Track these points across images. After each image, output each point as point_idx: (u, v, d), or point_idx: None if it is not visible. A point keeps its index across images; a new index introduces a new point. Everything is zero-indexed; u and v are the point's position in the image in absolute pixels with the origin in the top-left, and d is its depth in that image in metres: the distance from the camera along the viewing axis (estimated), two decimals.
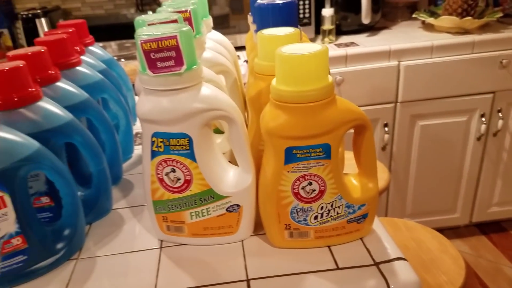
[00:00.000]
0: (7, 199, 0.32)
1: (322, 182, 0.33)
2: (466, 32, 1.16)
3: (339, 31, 1.25)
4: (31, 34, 1.19)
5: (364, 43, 1.15)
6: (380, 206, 1.31)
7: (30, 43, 1.19)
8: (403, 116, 1.17)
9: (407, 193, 1.30)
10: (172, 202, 0.36)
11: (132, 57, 0.89)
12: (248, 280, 0.33)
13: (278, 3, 0.42)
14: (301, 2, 1.17)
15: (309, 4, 1.17)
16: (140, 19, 0.38)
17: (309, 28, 1.20)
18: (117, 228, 0.41)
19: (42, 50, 0.40)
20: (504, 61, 1.12)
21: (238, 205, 0.36)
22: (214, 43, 0.50)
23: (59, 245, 0.36)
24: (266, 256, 0.36)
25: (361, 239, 0.37)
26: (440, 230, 1.17)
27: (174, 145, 0.33)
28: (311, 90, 0.30)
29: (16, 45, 1.39)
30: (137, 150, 0.58)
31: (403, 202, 1.31)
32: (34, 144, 0.33)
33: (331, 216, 0.35)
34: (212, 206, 0.36)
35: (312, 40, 1.22)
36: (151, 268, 0.35)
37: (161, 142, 0.34)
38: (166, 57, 0.30)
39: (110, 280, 0.34)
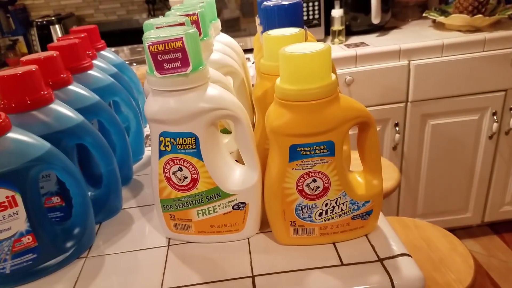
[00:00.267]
0: (19, 198, 0.33)
1: (326, 179, 0.34)
2: (477, 30, 1.15)
3: (349, 32, 1.24)
4: (46, 41, 1.23)
5: (374, 43, 1.15)
6: (391, 206, 1.30)
7: (44, 49, 1.22)
8: (414, 116, 1.16)
9: (418, 193, 1.28)
10: (179, 200, 0.37)
11: (144, 61, 0.91)
12: (253, 277, 0.34)
13: (284, 4, 0.43)
14: (310, 4, 1.17)
15: (319, 5, 1.17)
16: (148, 22, 0.39)
17: (319, 29, 1.20)
18: (126, 227, 0.42)
19: (55, 54, 0.42)
20: None
21: (244, 203, 0.37)
22: (222, 46, 0.51)
23: (69, 244, 0.37)
24: (271, 253, 0.36)
25: (366, 235, 0.37)
26: (452, 230, 1.15)
27: (181, 144, 0.34)
28: (314, 88, 0.30)
29: (31, 52, 1.43)
30: (148, 151, 0.59)
31: (414, 202, 1.30)
32: (46, 145, 0.35)
33: (335, 212, 0.35)
34: (219, 204, 0.37)
35: (322, 41, 1.22)
36: (158, 266, 0.36)
37: (168, 141, 0.34)
38: (173, 58, 0.31)
39: (118, 277, 0.35)
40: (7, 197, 0.32)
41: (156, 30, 0.33)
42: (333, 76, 0.31)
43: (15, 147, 0.33)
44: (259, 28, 0.50)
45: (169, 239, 0.40)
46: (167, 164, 0.35)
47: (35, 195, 0.34)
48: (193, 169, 0.35)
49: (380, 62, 1.10)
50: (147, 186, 0.50)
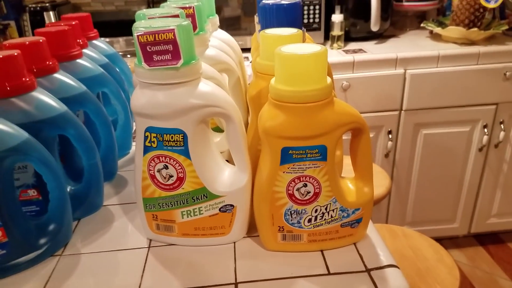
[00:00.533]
0: None
1: (317, 184, 0.32)
2: (472, 43, 1.16)
3: (348, 38, 1.24)
4: (38, 27, 1.19)
5: (372, 50, 1.15)
6: (380, 213, 1.30)
7: None
8: (407, 124, 1.16)
9: (408, 201, 1.28)
10: (163, 200, 0.35)
11: None
12: (236, 284, 0.32)
13: (283, 4, 0.41)
14: (311, 7, 1.16)
15: (319, 9, 1.16)
16: (141, 12, 0.38)
17: (319, 33, 1.20)
18: (106, 225, 0.40)
19: (41, 40, 0.40)
20: (508, 73, 1.11)
21: (232, 205, 0.35)
22: (219, 42, 0.49)
23: (42, 240, 0.35)
24: (257, 259, 0.35)
25: (354, 244, 0.36)
26: (439, 239, 1.15)
27: (168, 140, 0.33)
28: (309, 91, 0.29)
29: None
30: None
31: (404, 210, 1.30)
32: (23, 134, 0.33)
33: (325, 219, 0.34)
34: (205, 206, 0.35)
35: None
36: (137, 268, 0.34)
37: (154, 137, 0.33)
38: (163, 50, 0.29)
39: (93, 278, 0.34)
40: None
41: (148, 20, 0.31)
42: (329, 80, 0.30)
43: None
44: (258, 27, 0.49)
45: (150, 240, 0.38)
46: (152, 161, 0.34)
47: (8, 187, 0.32)
48: (179, 167, 0.34)
49: (377, 70, 1.10)
50: (132, 183, 0.48)
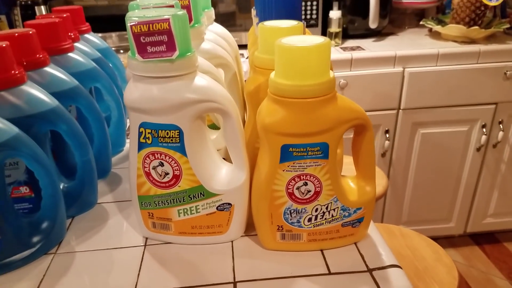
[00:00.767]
0: None
1: (318, 182, 0.31)
2: (472, 41, 1.15)
3: (346, 35, 1.23)
4: None
5: (370, 47, 1.14)
6: (376, 212, 1.29)
7: None
8: (404, 123, 1.16)
9: (404, 201, 1.28)
10: (159, 197, 0.34)
11: None
12: (235, 283, 0.31)
13: None
14: (308, 3, 1.15)
15: (317, 5, 1.15)
16: (134, 3, 0.36)
17: (316, 29, 1.19)
18: (100, 223, 0.39)
19: (30, 32, 0.38)
20: (508, 72, 1.10)
21: (229, 204, 0.34)
22: (214, 36, 0.48)
23: (36, 238, 0.34)
24: (256, 258, 0.34)
25: (355, 244, 0.35)
26: (435, 239, 1.15)
27: (163, 137, 0.32)
28: (311, 85, 0.28)
29: None
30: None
31: (400, 209, 1.29)
32: (13, 129, 0.31)
33: (325, 218, 0.33)
34: (202, 204, 0.34)
35: None
36: (133, 267, 0.33)
37: (149, 133, 0.32)
38: (157, 41, 0.28)
39: (89, 276, 0.32)
40: None
41: (142, 10, 0.30)
42: (332, 73, 0.29)
43: None
44: (255, 20, 0.48)
45: (146, 238, 0.37)
46: (147, 158, 0.33)
47: None
48: (175, 165, 0.32)
49: (375, 68, 1.09)
50: (126, 180, 0.47)
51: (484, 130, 1.17)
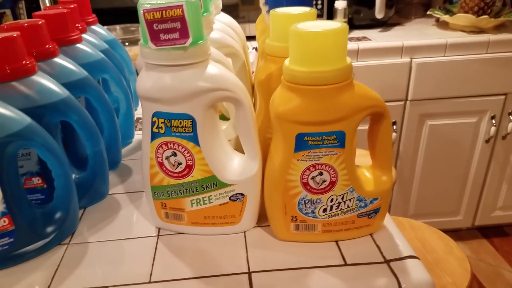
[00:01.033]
0: None
1: (333, 172, 0.31)
2: (481, 31, 1.13)
3: (351, 25, 1.21)
4: None
5: (377, 38, 1.12)
6: None
7: None
8: (412, 115, 1.14)
9: (411, 193, 1.27)
10: (171, 188, 0.34)
11: (137, 41, 0.86)
12: (249, 273, 0.31)
13: None
14: None
15: None
16: None
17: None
18: (112, 214, 0.39)
19: (40, 22, 0.38)
20: None
21: (242, 194, 0.34)
22: (222, 25, 0.48)
23: (49, 229, 0.34)
24: (269, 249, 0.34)
25: (370, 235, 0.35)
26: (442, 232, 1.15)
27: (176, 126, 0.31)
28: (328, 71, 0.27)
29: None
30: (138, 135, 0.56)
31: (407, 202, 1.29)
32: (26, 119, 0.31)
33: (341, 209, 0.33)
34: (215, 194, 0.34)
35: None
36: (147, 257, 0.33)
37: (162, 123, 0.31)
38: (170, 28, 0.27)
39: (102, 267, 0.32)
40: None
41: None
42: (348, 59, 0.28)
43: None
44: (264, 8, 0.47)
45: (159, 228, 0.37)
46: (160, 148, 0.32)
47: (13, 174, 0.31)
48: (188, 154, 0.32)
49: (382, 58, 1.08)
50: (136, 171, 0.47)
51: (493, 121, 1.15)
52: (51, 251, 0.34)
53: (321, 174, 0.31)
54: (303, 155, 0.30)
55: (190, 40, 0.28)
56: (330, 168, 0.31)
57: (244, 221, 0.35)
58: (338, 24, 0.27)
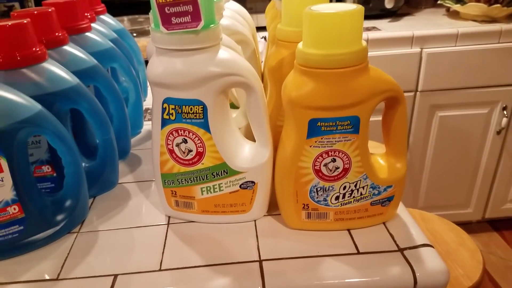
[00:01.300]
0: (4, 163, 0.29)
1: (347, 159, 0.30)
2: (493, 20, 1.10)
3: None
4: None
5: (386, 28, 1.10)
6: None
7: None
8: (422, 106, 1.13)
9: (421, 185, 1.26)
10: (182, 175, 0.33)
11: (145, 32, 0.86)
12: (260, 261, 0.31)
13: None
14: None
15: None
16: None
17: None
18: (122, 203, 0.39)
19: (50, 10, 0.38)
20: None
21: (253, 182, 0.34)
22: (232, 12, 0.47)
23: (59, 217, 0.34)
24: (280, 237, 0.33)
25: (383, 223, 0.34)
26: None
27: (187, 112, 0.31)
28: (343, 54, 0.27)
29: None
30: (147, 126, 0.55)
31: (416, 194, 1.27)
32: (36, 106, 0.31)
33: (354, 197, 0.32)
34: (225, 182, 0.33)
35: None
36: (157, 245, 0.33)
37: (172, 109, 0.31)
38: (182, 11, 0.27)
39: (112, 255, 0.32)
40: None
41: None
42: (364, 42, 0.28)
43: (2, 106, 0.29)
44: None
45: (169, 217, 0.37)
46: (170, 135, 0.32)
47: (23, 161, 0.31)
48: (199, 141, 0.32)
49: (392, 48, 1.06)
50: (146, 161, 0.47)
51: (504, 112, 1.13)
52: (61, 240, 0.34)
53: (334, 160, 0.30)
54: (315, 141, 0.30)
55: (202, 24, 0.27)
56: (343, 155, 0.30)
57: (255, 210, 0.35)
58: (353, 5, 0.27)
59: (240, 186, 0.34)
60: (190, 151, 0.32)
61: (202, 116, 0.31)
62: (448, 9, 1.25)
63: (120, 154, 0.45)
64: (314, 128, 0.29)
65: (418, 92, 1.11)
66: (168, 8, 0.27)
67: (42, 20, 0.37)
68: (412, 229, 0.33)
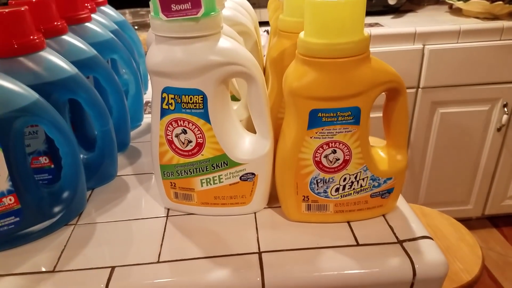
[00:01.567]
0: (0, 153, 0.29)
1: (347, 150, 0.30)
2: (495, 17, 1.10)
3: None
4: None
5: (389, 24, 1.10)
6: None
7: None
8: (423, 103, 1.13)
9: (422, 181, 1.26)
10: (181, 167, 0.33)
11: (147, 25, 0.86)
12: (260, 253, 0.30)
13: None
14: None
15: None
16: None
17: None
18: (121, 195, 0.39)
19: None
20: None
21: (253, 174, 0.33)
22: (233, 3, 0.46)
23: (57, 209, 0.34)
24: (280, 229, 0.33)
25: (383, 216, 0.34)
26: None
27: (187, 102, 0.30)
28: (345, 43, 0.26)
29: None
30: (147, 119, 0.55)
31: (417, 190, 1.27)
32: (33, 95, 0.30)
33: (354, 189, 0.32)
34: (225, 174, 0.33)
35: None
36: (155, 237, 0.33)
37: (172, 98, 0.31)
38: None
39: (110, 247, 0.32)
40: None
41: None
42: (366, 32, 0.27)
43: None
44: None
45: (168, 209, 0.36)
46: (170, 125, 0.32)
47: (19, 151, 0.31)
48: (198, 132, 0.31)
49: (394, 45, 1.06)
50: (145, 154, 0.46)
51: (505, 109, 1.13)
52: (58, 231, 0.34)
53: (334, 152, 0.30)
54: (316, 133, 0.30)
55: (202, 11, 0.27)
56: (344, 146, 0.30)
57: (255, 202, 0.35)
58: None
59: (240, 178, 0.33)
60: (190, 142, 0.32)
61: (202, 106, 0.30)
62: (450, 6, 1.24)
63: (119, 146, 0.45)
64: (315, 119, 0.29)
65: (419, 89, 1.11)
66: None
67: (41, 9, 0.37)
68: (411, 221, 0.33)
